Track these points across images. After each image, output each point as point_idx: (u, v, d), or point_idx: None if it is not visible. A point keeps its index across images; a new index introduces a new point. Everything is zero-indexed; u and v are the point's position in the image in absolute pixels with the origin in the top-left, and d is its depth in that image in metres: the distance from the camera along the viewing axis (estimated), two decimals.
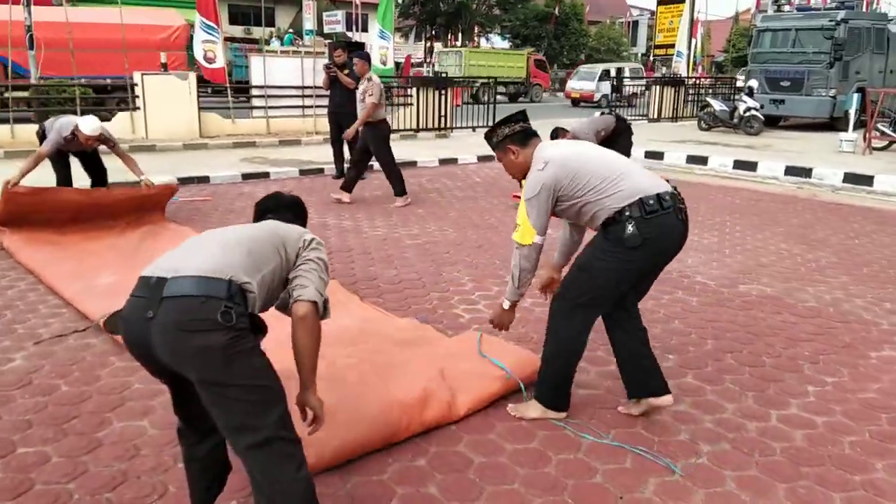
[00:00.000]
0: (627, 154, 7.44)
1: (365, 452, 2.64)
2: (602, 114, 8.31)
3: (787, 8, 18.41)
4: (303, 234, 2.17)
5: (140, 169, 5.94)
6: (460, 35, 36.22)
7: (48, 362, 3.45)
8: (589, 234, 2.94)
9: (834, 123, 15.05)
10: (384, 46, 14.28)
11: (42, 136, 5.87)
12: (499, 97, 22.62)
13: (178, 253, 1.99)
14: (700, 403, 3.18)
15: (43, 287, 4.59)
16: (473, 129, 14.74)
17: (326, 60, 14.94)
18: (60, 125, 5.63)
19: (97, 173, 6.24)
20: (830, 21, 14.94)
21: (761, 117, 14.85)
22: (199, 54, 12.05)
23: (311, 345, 2.00)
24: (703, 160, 10.56)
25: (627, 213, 2.62)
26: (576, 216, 2.81)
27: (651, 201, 2.62)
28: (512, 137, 2.85)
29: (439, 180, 9.27)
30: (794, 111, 15.98)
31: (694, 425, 2.98)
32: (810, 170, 9.52)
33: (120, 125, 10.99)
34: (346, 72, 8.50)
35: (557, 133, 6.96)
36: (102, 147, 5.91)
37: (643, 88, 19.81)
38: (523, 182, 2.80)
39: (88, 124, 5.55)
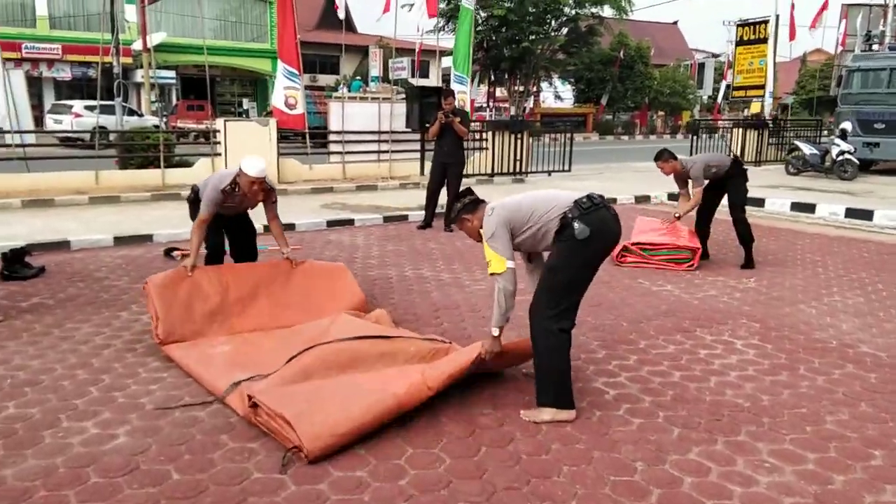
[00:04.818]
0: (741, 202, 6.73)
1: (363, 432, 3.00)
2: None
3: (875, 47, 17.50)
4: None
5: (286, 239, 5.04)
6: (523, 79, 36.11)
7: (155, 441, 3.06)
8: None
9: None
10: (462, 91, 14.08)
11: (194, 200, 4.87)
12: None
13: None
14: None
15: (140, 348, 4.29)
16: (549, 173, 14.36)
17: (402, 104, 14.97)
18: (218, 178, 4.72)
19: (246, 252, 5.21)
20: None
21: (856, 161, 14.04)
22: (279, 101, 12.05)
23: None
24: (810, 208, 9.78)
25: (570, 216, 3.19)
26: (532, 243, 3.35)
27: (584, 200, 3.25)
28: (464, 209, 3.44)
29: None
30: (891, 155, 15.04)
31: None
32: None
33: (202, 171, 10.91)
34: (459, 119, 8.27)
35: (664, 155, 6.46)
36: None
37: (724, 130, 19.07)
38: (484, 243, 3.29)
39: (254, 164, 4.54)
